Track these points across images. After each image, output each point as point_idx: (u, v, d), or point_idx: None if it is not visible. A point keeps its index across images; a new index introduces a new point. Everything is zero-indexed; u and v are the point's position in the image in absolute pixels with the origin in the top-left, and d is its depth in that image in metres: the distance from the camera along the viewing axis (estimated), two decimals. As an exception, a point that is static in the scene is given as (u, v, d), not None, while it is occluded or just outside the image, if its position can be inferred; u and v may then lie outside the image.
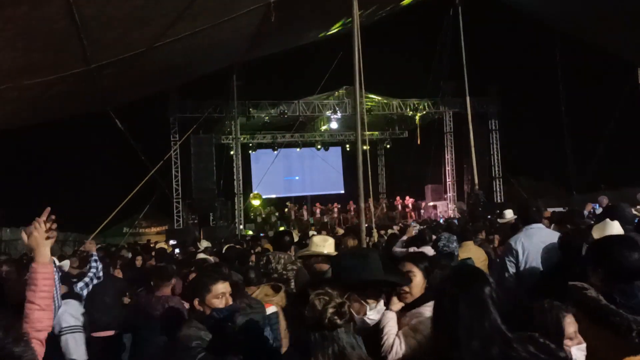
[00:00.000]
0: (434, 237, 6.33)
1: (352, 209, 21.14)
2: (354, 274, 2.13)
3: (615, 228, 2.65)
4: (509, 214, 7.05)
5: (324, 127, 22.61)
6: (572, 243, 2.81)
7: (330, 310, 1.55)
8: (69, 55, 8.76)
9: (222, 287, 2.60)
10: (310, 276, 4.07)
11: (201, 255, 6.55)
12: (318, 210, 21.56)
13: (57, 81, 9.23)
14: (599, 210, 8.36)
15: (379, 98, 20.29)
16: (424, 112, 21.35)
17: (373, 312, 2.23)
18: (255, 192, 20.74)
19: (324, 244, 4.06)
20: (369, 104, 18.90)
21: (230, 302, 2.60)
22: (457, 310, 1.59)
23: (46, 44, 8.10)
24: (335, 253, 3.92)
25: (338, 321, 1.55)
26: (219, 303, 2.56)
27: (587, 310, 2.00)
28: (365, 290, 2.22)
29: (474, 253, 5.28)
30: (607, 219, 2.70)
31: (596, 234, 2.72)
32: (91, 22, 7.94)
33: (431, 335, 1.76)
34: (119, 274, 6.21)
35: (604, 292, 2.01)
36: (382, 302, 2.27)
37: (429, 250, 5.91)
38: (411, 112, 21.02)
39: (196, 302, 2.60)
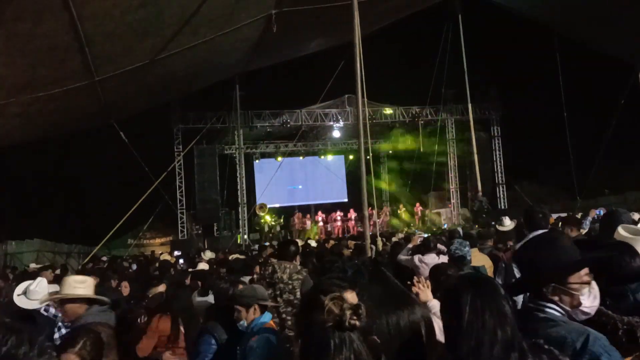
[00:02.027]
0: (438, 245, 6.35)
1: (352, 217, 21.13)
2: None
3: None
4: (508, 222, 7.04)
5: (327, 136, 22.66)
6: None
7: (349, 312, 1.55)
8: (72, 69, 8.84)
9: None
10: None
11: (201, 266, 6.56)
12: (320, 219, 21.55)
13: (61, 95, 9.30)
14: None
15: (381, 106, 20.34)
16: (426, 119, 21.38)
17: (589, 298, 1.89)
18: (262, 202, 20.72)
19: (80, 285, 3.38)
20: (371, 110, 18.96)
21: None
22: (484, 320, 1.61)
23: (50, 58, 8.19)
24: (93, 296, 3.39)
25: (357, 323, 1.56)
26: None
27: None
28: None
29: (479, 260, 5.28)
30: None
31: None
32: (94, 36, 8.03)
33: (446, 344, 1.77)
34: (126, 287, 6.15)
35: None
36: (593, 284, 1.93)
37: (433, 258, 5.92)
38: (413, 120, 21.06)
39: None
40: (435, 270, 3.65)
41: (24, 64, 8.10)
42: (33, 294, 4.07)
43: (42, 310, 4.26)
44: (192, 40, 9.64)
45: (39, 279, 4.34)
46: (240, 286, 3.73)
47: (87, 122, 13.68)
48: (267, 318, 3.18)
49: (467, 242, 4.65)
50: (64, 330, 4.07)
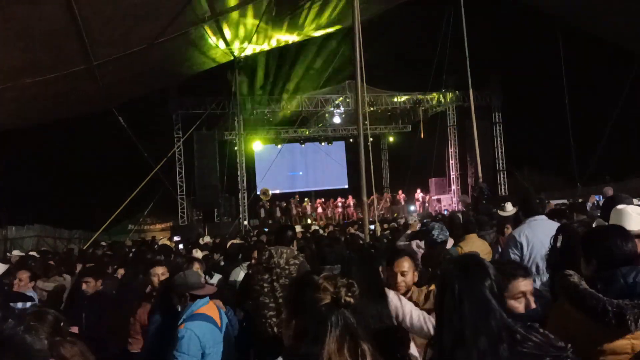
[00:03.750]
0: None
1: (351, 203, 21.16)
2: None
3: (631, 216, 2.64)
4: (510, 207, 7.02)
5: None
6: (570, 233, 2.80)
7: (344, 289, 1.58)
8: (70, 54, 8.78)
9: (523, 285, 2.05)
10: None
11: (195, 254, 6.55)
12: (319, 206, 21.58)
13: (59, 79, 9.25)
14: (601, 203, 8.33)
15: (382, 92, 20.23)
16: (427, 106, 21.28)
17: None
18: (265, 188, 20.72)
19: None
20: (371, 97, 18.87)
21: (532, 304, 2.05)
22: (462, 309, 1.59)
23: (47, 42, 8.13)
24: None
25: (352, 300, 1.59)
26: (518, 306, 2.02)
27: (568, 295, 2.01)
28: None
29: (478, 246, 5.27)
30: (619, 207, 2.70)
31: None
32: (92, 20, 7.96)
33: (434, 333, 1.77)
34: (121, 273, 6.17)
35: (590, 280, 2.02)
36: None
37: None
38: (414, 106, 20.97)
39: None
40: (428, 257, 3.65)
41: (21, 48, 8.04)
42: None
43: None
44: (189, 24, 9.55)
45: None
46: (196, 264, 3.73)
47: (86, 107, 13.64)
48: (201, 304, 3.04)
49: (444, 226, 4.59)
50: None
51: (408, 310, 2.78)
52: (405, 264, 3.03)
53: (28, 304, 4.18)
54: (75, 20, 7.72)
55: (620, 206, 2.75)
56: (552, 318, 2.15)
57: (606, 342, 1.96)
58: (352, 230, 8.87)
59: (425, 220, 8.61)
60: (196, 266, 3.70)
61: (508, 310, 1.84)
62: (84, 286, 4.38)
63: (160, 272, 4.21)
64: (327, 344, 1.52)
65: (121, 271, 6.19)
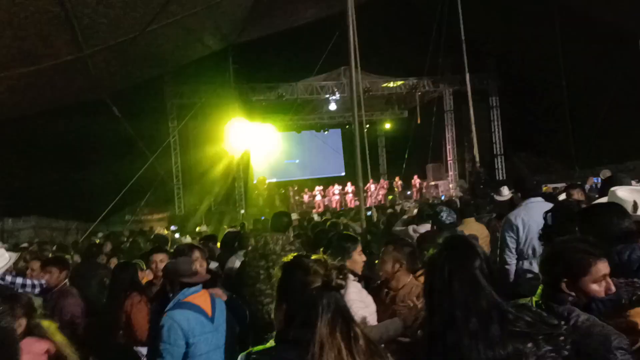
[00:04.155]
0: (433, 214, 6.32)
1: (350, 190, 21.13)
2: None
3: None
4: (506, 191, 7.00)
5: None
6: (562, 211, 2.78)
7: (335, 272, 1.57)
8: (61, 43, 8.66)
9: (603, 268, 1.86)
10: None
11: (188, 239, 6.52)
12: (318, 193, 21.55)
13: (50, 69, 9.13)
14: (599, 185, 8.31)
15: (378, 78, 20.10)
16: (424, 91, 21.16)
17: None
18: (262, 176, 20.67)
19: None
20: (367, 83, 18.76)
21: (612, 287, 1.86)
22: (451, 289, 1.57)
23: (37, 32, 8.00)
24: None
25: (343, 283, 1.58)
26: (599, 289, 1.85)
27: None
28: None
29: (476, 229, 5.26)
30: (616, 192, 2.64)
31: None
32: (82, 7, 7.83)
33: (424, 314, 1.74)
34: (113, 263, 6.14)
35: None
36: None
37: (427, 228, 5.90)
38: (411, 91, 20.86)
39: (563, 285, 1.88)
40: (424, 238, 3.61)
41: (10, 37, 7.92)
42: None
43: None
44: (181, 11, 9.41)
45: None
46: (196, 252, 3.67)
47: (79, 96, 13.51)
48: (190, 292, 2.98)
49: (452, 210, 4.62)
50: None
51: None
52: (385, 253, 2.90)
53: (37, 290, 4.37)
54: (64, 7, 7.60)
55: (618, 191, 2.69)
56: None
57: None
58: (345, 221, 8.79)
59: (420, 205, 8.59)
60: (196, 254, 3.63)
61: (587, 295, 1.80)
62: (46, 277, 4.31)
63: (159, 259, 4.19)
64: (319, 327, 1.49)
65: (114, 261, 6.17)
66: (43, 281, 4.42)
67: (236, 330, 3.23)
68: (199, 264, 3.52)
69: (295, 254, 1.86)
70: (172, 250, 4.92)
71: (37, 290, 4.42)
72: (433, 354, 1.56)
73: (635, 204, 2.42)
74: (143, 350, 3.87)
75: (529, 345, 1.47)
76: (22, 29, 7.66)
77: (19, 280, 4.41)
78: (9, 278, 4.34)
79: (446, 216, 4.37)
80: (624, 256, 1.95)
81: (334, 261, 1.64)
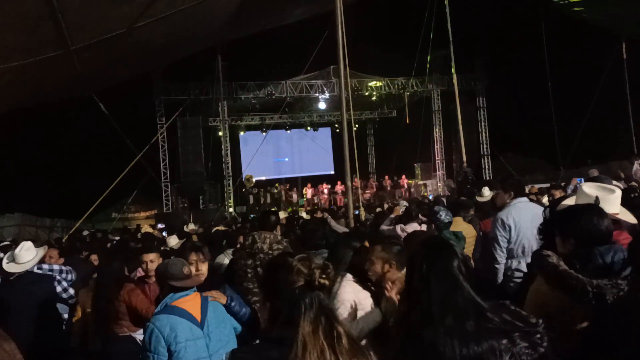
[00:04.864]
0: (420, 215, 6.37)
1: (339, 189, 21.16)
2: None
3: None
4: (487, 192, 7.07)
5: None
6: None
7: (318, 271, 1.57)
8: (45, 38, 8.54)
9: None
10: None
11: (174, 239, 6.48)
12: (309, 191, 21.56)
13: (35, 65, 9.01)
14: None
15: (366, 77, 20.15)
16: (412, 91, 21.27)
17: None
18: (248, 174, 20.62)
19: None
20: (356, 82, 18.79)
21: None
22: (429, 287, 1.60)
23: (21, 26, 7.88)
24: None
25: (326, 282, 1.58)
26: None
27: (546, 275, 2.02)
28: None
29: (463, 229, 5.31)
30: (584, 189, 2.70)
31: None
32: (68, 2, 7.74)
33: (403, 310, 1.77)
34: (95, 260, 6.14)
35: (566, 258, 2.03)
36: None
37: (415, 227, 5.95)
38: (399, 91, 20.94)
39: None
40: (411, 238, 3.64)
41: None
42: (20, 257, 4.23)
43: (35, 269, 4.41)
44: (170, 7, 9.34)
45: (22, 243, 4.48)
46: (192, 254, 3.47)
47: (65, 93, 13.34)
48: (179, 296, 2.81)
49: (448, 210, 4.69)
50: (65, 284, 4.47)
51: (342, 309, 2.62)
52: (373, 253, 2.77)
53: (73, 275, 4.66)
54: (50, 2, 7.50)
55: (584, 187, 2.74)
56: (530, 298, 2.16)
57: (585, 321, 1.96)
58: (325, 216, 8.72)
59: (408, 205, 8.63)
60: (192, 257, 3.43)
61: None
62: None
63: (149, 259, 4.08)
64: (302, 326, 1.51)
65: (94, 257, 6.15)
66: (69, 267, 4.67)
67: (236, 335, 3.03)
68: (195, 267, 3.38)
69: (282, 253, 1.87)
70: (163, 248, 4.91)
71: (73, 275, 4.67)
72: (410, 350, 1.59)
73: (597, 199, 2.49)
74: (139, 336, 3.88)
75: (504, 341, 1.50)
76: (5, 23, 7.55)
77: (56, 267, 4.64)
78: (46, 266, 4.58)
79: (444, 215, 4.45)
80: (607, 258, 1.98)
81: (321, 261, 1.66)
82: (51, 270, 4.56)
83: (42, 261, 4.58)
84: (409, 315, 1.63)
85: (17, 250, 4.27)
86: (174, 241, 6.21)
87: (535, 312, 1.72)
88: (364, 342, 2.40)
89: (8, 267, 4.20)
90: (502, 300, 1.63)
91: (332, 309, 1.60)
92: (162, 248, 6.09)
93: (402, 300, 2.13)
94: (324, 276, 1.58)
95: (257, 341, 1.73)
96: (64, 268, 4.64)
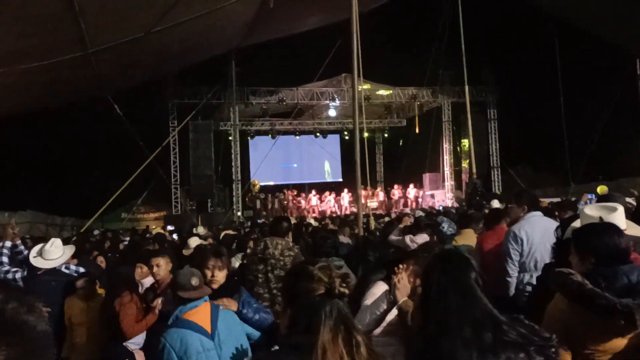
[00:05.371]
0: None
1: (345, 197, 21.14)
2: None
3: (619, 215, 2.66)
4: (496, 204, 7.06)
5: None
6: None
7: (338, 280, 1.60)
8: (66, 40, 8.70)
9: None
10: None
11: (195, 240, 6.50)
12: (314, 198, 21.58)
13: (54, 66, 9.17)
14: (594, 201, 8.42)
15: (378, 86, 20.22)
16: (423, 101, 21.30)
17: None
18: (254, 180, 20.73)
19: None
20: (367, 90, 18.85)
21: None
22: (447, 299, 1.63)
23: (43, 27, 8.04)
24: None
25: (346, 291, 1.60)
26: None
27: (572, 294, 2.03)
28: None
29: (472, 241, 5.31)
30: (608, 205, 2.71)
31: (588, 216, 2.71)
32: (88, 6, 7.88)
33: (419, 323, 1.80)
34: (102, 262, 6.13)
35: (588, 276, 2.04)
36: None
37: (424, 238, 5.95)
38: (410, 101, 20.98)
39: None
40: (423, 249, 3.66)
41: (16, 32, 7.95)
42: (49, 253, 4.26)
43: (63, 269, 4.44)
44: (187, 13, 9.48)
45: (52, 239, 4.53)
46: (211, 259, 3.32)
47: (81, 94, 13.53)
48: (188, 308, 2.78)
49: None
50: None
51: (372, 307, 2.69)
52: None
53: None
54: (71, 4, 7.65)
55: (586, 209, 2.73)
56: (552, 315, 2.16)
57: (606, 341, 1.98)
58: (332, 226, 8.69)
59: (419, 215, 8.66)
60: (211, 262, 3.30)
61: None
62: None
63: (156, 264, 3.94)
64: (322, 334, 1.54)
65: (100, 259, 6.16)
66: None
67: (252, 340, 3.00)
68: (211, 273, 3.29)
69: (302, 261, 1.91)
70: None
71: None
72: (427, 358, 1.62)
73: (600, 220, 2.49)
74: (132, 345, 3.90)
75: (521, 355, 1.53)
76: (29, 25, 7.71)
77: (81, 269, 4.67)
78: (73, 267, 4.61)
79: (447, 227, 4.41)
80: (632, 277, 1.98)
81: (339, 269, 1.69)
82: (77, 272, 4.54)
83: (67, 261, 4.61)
84: (426, 326, 1.67)
85: (47, 246, 4.28)
86: (194, 243, 6.23)
87: (557, 328, 1.75)
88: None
89: (35, 261, 4.21)
90: (515, 314, 1.67)
91: (351, 318, 1.63)
92: (183, 250, 6.10)
93: (417, 311, 2.16)
94: (343, 285, 1.61)
95: (276, 347, 1.76)
96: (79, 269, 4.64)
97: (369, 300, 2.76)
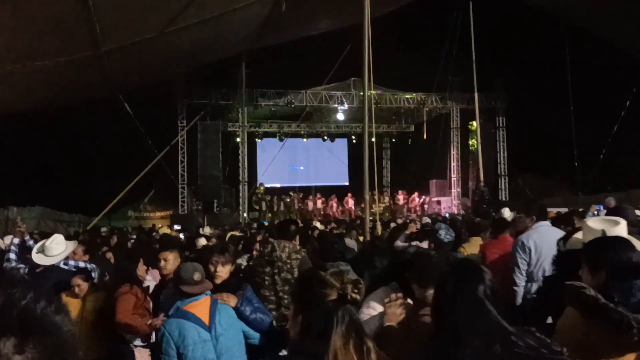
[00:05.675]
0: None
1: (351, 201, 21.11)
2: None
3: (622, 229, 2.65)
4: (507, 213, 7.04)
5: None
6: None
7: (350, 286, 1.61)
8: (79, 39, 8.78)
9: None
10: None
11: (203, 241, 6.54)
12: (319, 202, 21.57)
13: (67, 64, 9.26)
14: (602, 212, 8.35)
15: (387, 91, 20.22)
16: (431, 107, 21.27)
17: None
18: (260, 183, 20.78)
19: None
20: (376, 95, 18.86)
21: None
22: (457, 311, 1.64)
23: (57, 26, 8.12)
24: None
25: (358, 297, 1.61)
26: None
27: (585, 308, 2.02)
28: None
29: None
30: (615, 218, 2.69)
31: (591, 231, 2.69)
32: (102, 6, 7.96)
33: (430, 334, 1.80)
34: (110, 258, 6.17)
35: (601, 291, 2.04)
36: None
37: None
38: (418, 106, 20.96)
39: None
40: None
41: (32, 30, 8.05)
42: (50, 250, 4.26)
43: (61, 264, 4.46)
44: (199, 15, 9.55)
45: (54, 235, 4.53)
46: (215, 255, 3.43)
47: (92, 93, 13.64)
48: (189, 301, 2.91)
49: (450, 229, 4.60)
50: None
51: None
52: None
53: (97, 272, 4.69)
54: (86, 4, 7.73)
55: (589, 222, 2.71)
56: (568, 330, 2.15)
57: (620, 356, 1.98)
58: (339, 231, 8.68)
59: (426, 222, 8.64)
60: (215, 257, 3.38)
61: None
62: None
63: (164, 257, 3.99)
64: (333, 339, 1.55)
65: (109, 254, 6.19)
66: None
67: (245, 338, 3.11)
68: (214, 268, 3.37)
69: (314, 266, 1.92)
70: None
71: (97, 273, 4.69)
72: None
73: (603, 232, 2.48)
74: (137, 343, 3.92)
75: None
76: (44, 24, 7.80)
77: (81, 264, 4.68)
78: (72, 263, 4.62)
79: (445, 234, 4.33)
80: None
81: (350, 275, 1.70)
82: (76, 267, 4.57)
83: (67, 257, 4.62)
84: (438, 335, 1.68)
85: (48, 242, 4.28)
86: (208, 230, 6.24)
87: (569, 342, 1.74)
88: None
89: (36, 257, 4.23)
90: (526, 327, 1.67)
91: (362, 324, 1.64)
92: (188, 251, 6.12)
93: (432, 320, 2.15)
94: (355, 290, 1.62)
95: (283, 352, 1.77)
96: (89, 266, 4.65)
97: (363, 315, 2.65)
